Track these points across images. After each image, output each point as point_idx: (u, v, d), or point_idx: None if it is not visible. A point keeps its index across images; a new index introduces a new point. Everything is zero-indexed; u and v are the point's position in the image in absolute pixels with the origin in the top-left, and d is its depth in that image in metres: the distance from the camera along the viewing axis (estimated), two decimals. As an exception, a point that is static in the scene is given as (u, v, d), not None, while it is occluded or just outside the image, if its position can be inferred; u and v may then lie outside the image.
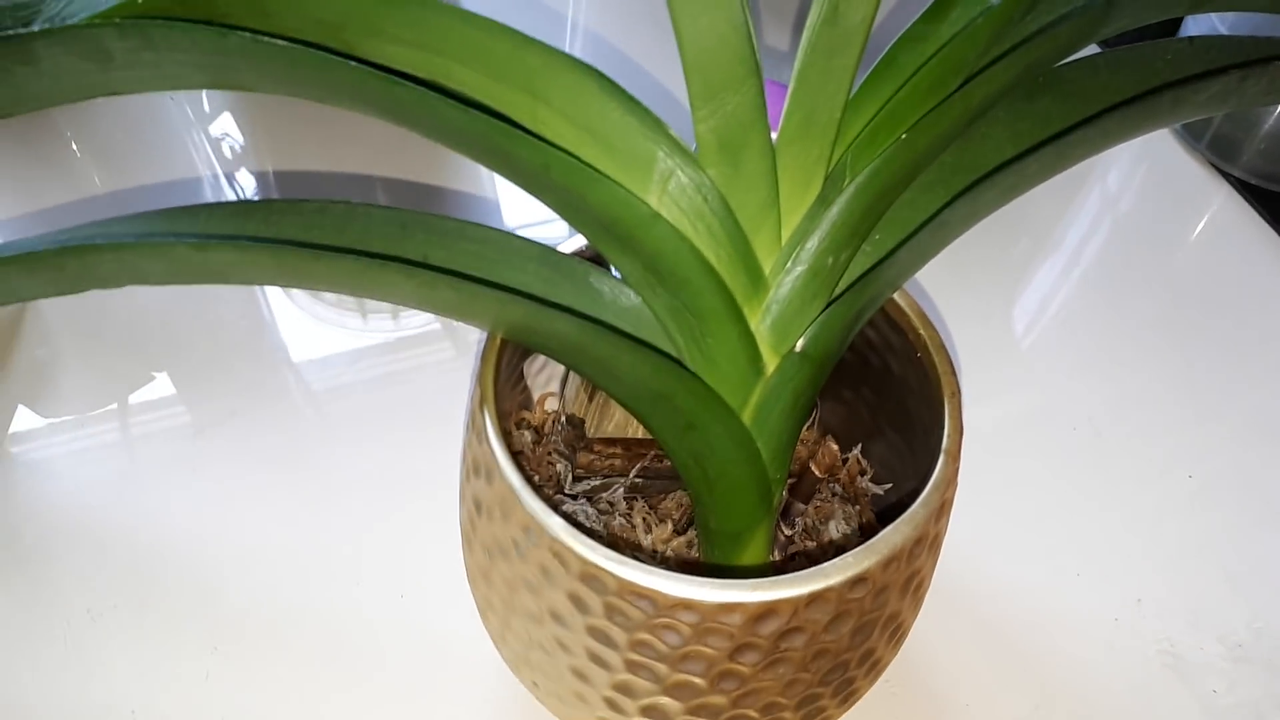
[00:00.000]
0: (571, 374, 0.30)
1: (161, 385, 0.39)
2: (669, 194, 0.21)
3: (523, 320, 0.22)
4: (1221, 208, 0.48)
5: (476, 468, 0.24)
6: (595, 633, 0.22)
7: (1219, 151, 0.48)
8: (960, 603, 0.34)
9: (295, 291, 0.43)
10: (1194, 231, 0.47)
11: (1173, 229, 0.47)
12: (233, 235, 0.22)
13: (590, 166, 0.21)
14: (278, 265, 0.21)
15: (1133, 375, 0.41)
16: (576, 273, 0.23)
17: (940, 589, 0.33)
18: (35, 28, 0.20)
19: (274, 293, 0.43)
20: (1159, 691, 0.32)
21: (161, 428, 0.38)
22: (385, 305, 0.44)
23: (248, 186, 0.47)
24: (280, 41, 0.19)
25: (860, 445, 0.31)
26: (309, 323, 0.42)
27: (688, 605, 0.21)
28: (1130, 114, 0.26)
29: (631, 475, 0.28)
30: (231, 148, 0.49)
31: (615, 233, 0.21)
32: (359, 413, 0.39)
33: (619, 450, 0.30)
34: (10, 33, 0.20)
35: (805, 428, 0.32)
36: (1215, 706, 0.32)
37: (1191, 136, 0.49)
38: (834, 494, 0.30)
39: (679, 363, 0.23)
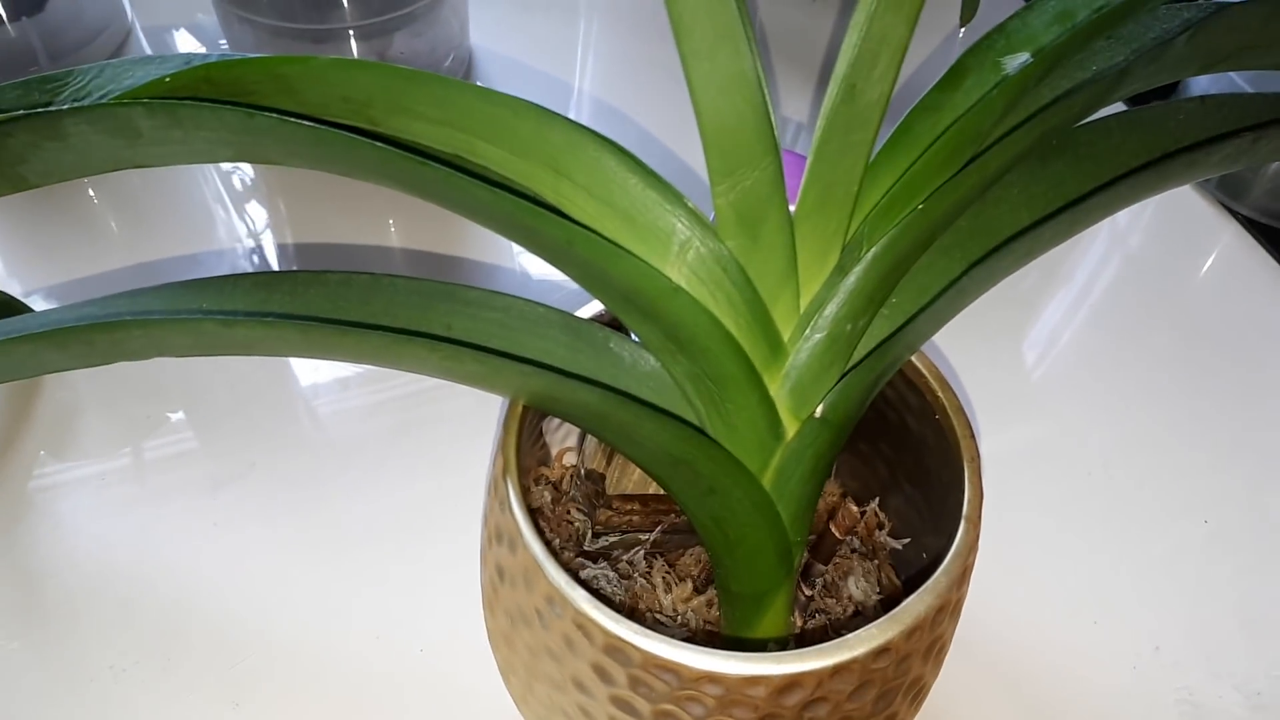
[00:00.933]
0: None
1: (182, 434, 0.39)
2: (688, 265, 0.22)
3: (546, 390, 0.22)
4: (1229, 245, 0.48)
5: (499, 535, 0.24)
6: (619, 703, 0.22)
7: (1227, 190, 0.48)
8: (978, 652, 0.34)
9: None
10: (1202, 269, 0.48)
11: (1181, 266, 0.48)
12: (259, 311, 0.22)
13: (612, 241, 0.21)
14: (304, 340, 0.21)
15: (1144, 414, 0.41)
16: (597, 339, 0.23)
17: (958, 639, 0.33)
18: (65, 106, 0.21)
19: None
20: (1178, 742, 0.32)
21: (182, 478, 0.38)
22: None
23: (270, 255, 0.48)
24: (306, 123, 0.20)
25: (878, 499, 0.31)
26: (329, 369, 0.42)
27: (713, 678, 0.21)
28: (1144, 179, 0.26)
29: (652, 536, 0.28)
30: (253, 217, 0.50)
31: (637, 303, 0.21)
32: (379, 462, 0.39)
33: (637, 506, 0.30)
34: (40, 110, 0.20)
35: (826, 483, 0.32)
36: (1235, 757, 0.32)
37: (1200, 175, 0.50)
38: (852, 550, 0.30)
39: (699, 429, 0.23)
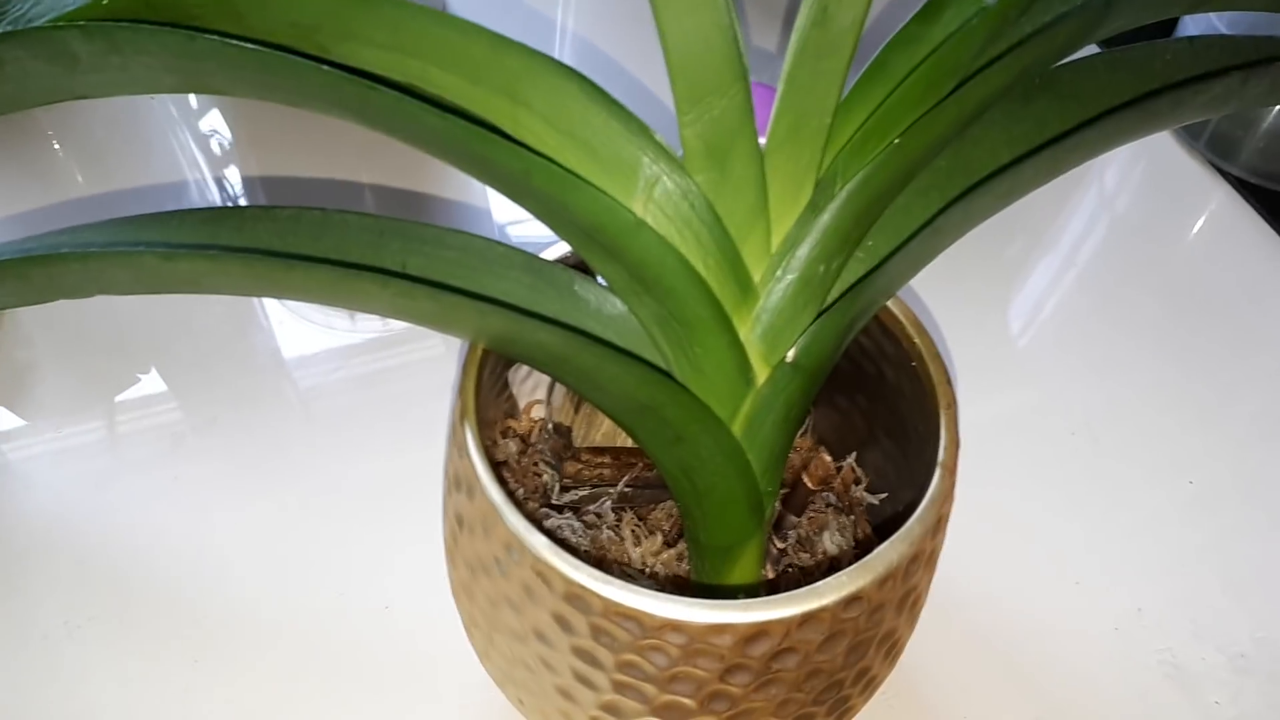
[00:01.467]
0: (558, 382, 0.29)
1: (143, 388, 0.38)
2: (654, 201, 0.21)
3: (504, 331, 0.21)
4: (1220, 207, 0.47)
5: (458, 482, 0.23)
6: (581, 653, 0.22)
7: (1217, 150, 0.48)
8: (957, 613, 0.33)
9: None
10: (1192, 231, 0.47)
11: (1171, 228, 0.47)
12: (203, 244, 0.21)
13: (572, 173, 0.20)
14: (249, 275, 0.20)
15: (1130, 378, 0.41)
16: (561, 280, 0.22)
17: (936, 599, 0.32)
18: (-2, 31, 0.20)
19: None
20: (1160, 703, 0.32)
21: (142, 432, 0.37)
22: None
23: (234, 189, 0.47)
24: (251, 45, 0.19)
25: (855, 454, 0.30)
26: (295, 323, 0.41)
27: (676, 626, 0.20)
28: (1129, 117, 0.25)
29: (620, 486, 0.27)
30: (220, 145, 0.48)
31: (599, 240, 0.21)
32: (346, 415, 0.38)
33: (607, 460, 0.29)
34: (-29, 36, 0.19)
35: (799, 436, 0.31)
36: (1217, 718, 0.32)
37: (1189, 135, 0.49)
38: (828, 504, 0.29)
39: (666, 374, 0.22)
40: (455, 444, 0.23)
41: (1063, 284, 0.45)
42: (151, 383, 0.39)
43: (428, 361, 0.40)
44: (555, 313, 0.22)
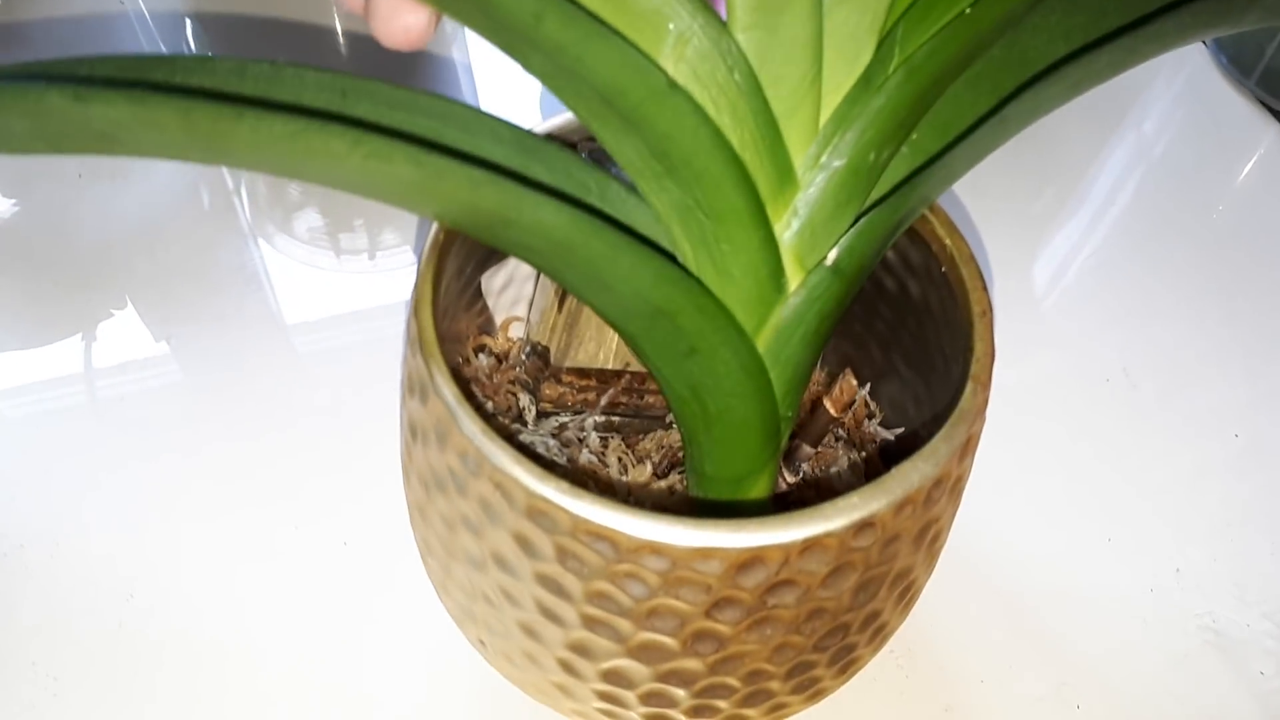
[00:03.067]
0: (539, 294, 0.26)
1: (91, 299, 0.36)
2: (685, 61, 0.17)
3: (499, 208, 0.18)
4: (1270, 149, 0.43)
5: (411, 385, 0.20)
6: (546, 581, 0.19)
7: (1271, 88, 0.44)
8: (978, 568, 0.30)
9: (264, 221, 0.40)
10: (1240, 175, 0.43)
11: (1216, 173, 0.43)
12: (126, 80, 0.18)
13: (593, 15, 0.16)
14: (185, 126, 0.17)
15: (1172, 326, 0.37)
16: (557, 162, 0.19)
17: (956, 552, 0.29)
18: None
19: (237, 217, 0.39)
20: (1199, 672, 0.29)
21: (87, 349, 0.34)
22: (361, 243, 0.40)
23: (175, 32, 0.42)
24: None
25: (869, 385, 0.27)
26: (277, 258, 0.38)
27: (656, 549, 0.17)
28: (1206, 7, 0.22)
29: (603, 402, 0.24)
30: None
31: (618, 106, 0.17)
32: (306, 340, 0.35)
33: (593, 383, 0.26)
34: None
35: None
36: (1262, 690, 0.28)
37: (1240, 71, 0.45)
38: (838, 438, 0.26)
39: (687, 272, 0.19)
40: (409, 340, 0.20)
41: (1095, 234, 0.42)
42: (102, 294, 0.36)
43: (401, 272, 0.37)
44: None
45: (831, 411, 0.23)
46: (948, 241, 0.22)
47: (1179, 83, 0.47)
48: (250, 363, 0.34)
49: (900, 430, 0.26)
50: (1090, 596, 0.30)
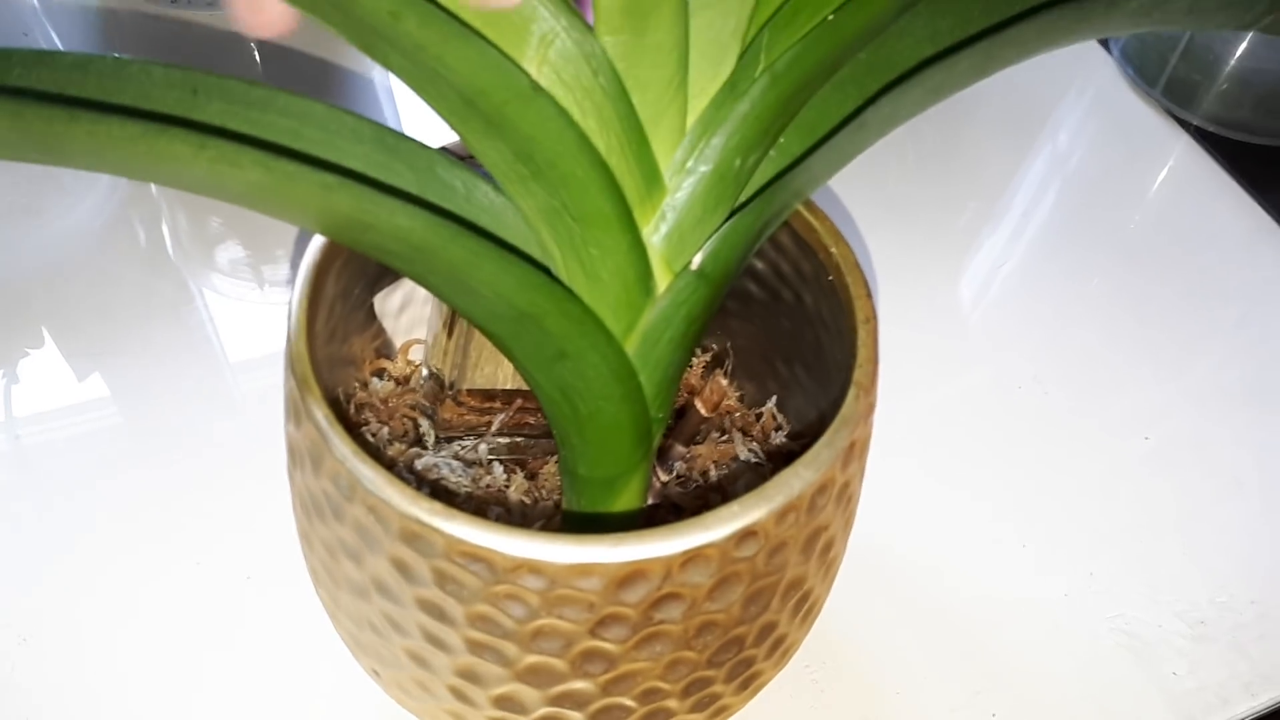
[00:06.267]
0: (431, 316, 0.26)
1: (36, 358, 0.34)
2: (549, 64, 0.17)
3: (353, 213, 0.17)
4: (1180, 159, 0.44)
5: (288, 409, 0.20)
6: (428, 606, 0.18)
7: (1176, 97, 0.45)
8: (891, 578, 0.30)
9: (185, 253, 0.39)
10: (1152, 185, 0.44)
11: (1129, 184, 0.44)
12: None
13: (453, 16, 0.16)
14: (17, 128, 0.16)
15: (1084, 334, 0.38)
16: (420, 160, 0.19)
17: (868, 562, 0.29)
18: None
19: (155, 252, 0.39)
20: (1113, 674, 0.29)
21: (21, 391, 0.33)
22: (283, 274, 0.39)
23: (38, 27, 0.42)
24: None
25: (775, 399, 0.27)
26: (202, 291, 0.37)
27: (533, 568, 0.17)
28: (1064, 15, 0.22)
29: (497, 424, 0.24)
30: None
31: (480, 108, 0.17)
32: (208, 367, 0.34)
33: (495, 404, 0.26)
34: None
35: (700, 359, 0.28)
36: (1175, 690, 0.29)
37: (1146, 82, 0.46)
38: (750, 454, 0.26)
39: (553, 276, 0.18)
40: (286, 363, 0.20)
41: (1017, 248, 0.42)
42: (42, 352, 0.35)
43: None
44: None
45: (702, 411, 0.23)
46: (833, 249, 0.22)
47: (1089, 95, 0.48)
48: (171, 395, 0.33)
49: (806, 442, 0.26)
50: (1005, 603, 0.30)
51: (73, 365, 0.34)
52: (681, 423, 0.24)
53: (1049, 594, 0.30)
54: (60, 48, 0.45)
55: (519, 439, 0.26)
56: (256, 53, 0.45)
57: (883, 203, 0.42)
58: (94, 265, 0.37)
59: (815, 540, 0.19)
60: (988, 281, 0.41)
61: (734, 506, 0.17)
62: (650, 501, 0.23)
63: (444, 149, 0.20)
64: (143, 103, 0.18)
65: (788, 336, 0.26)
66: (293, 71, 0.45)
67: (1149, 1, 0.22)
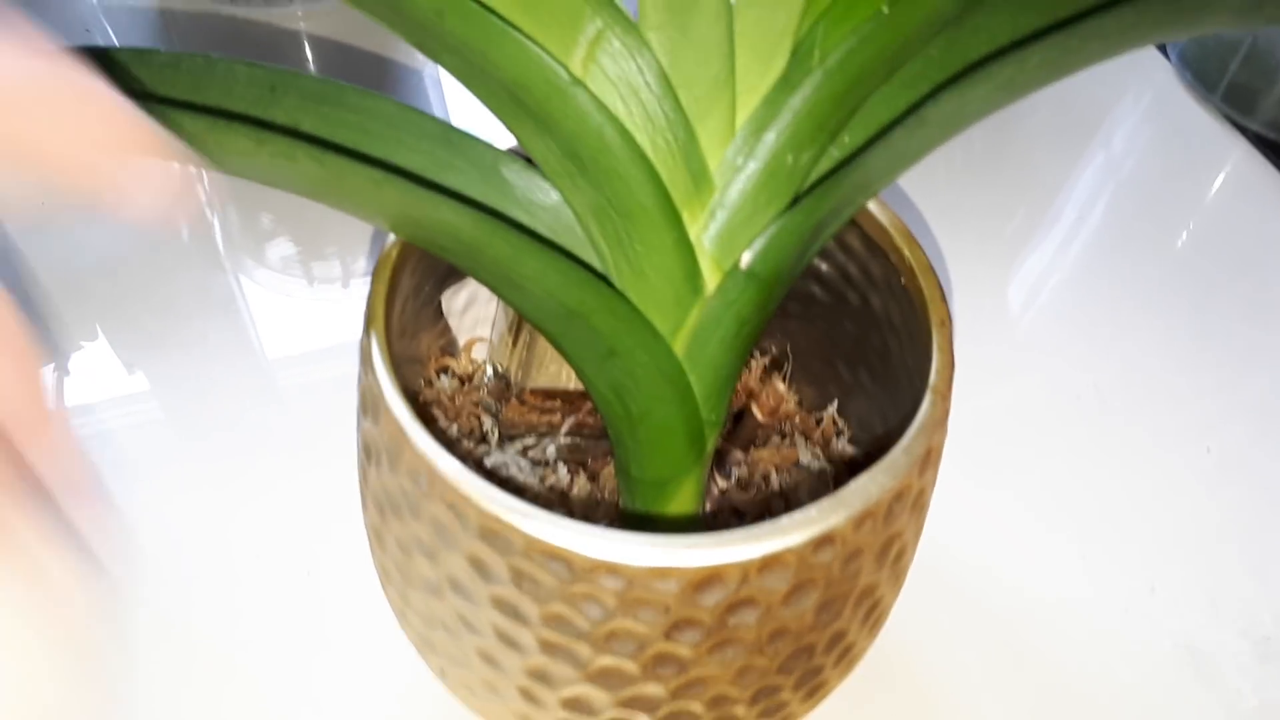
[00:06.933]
0: (498, 315, 0.26)
1: (69, 342, 0.35)
2: (596, 62, 0.17)
3: (404, 208, 0.18)
4: (1238, 165, 0.44)
5: (364, 404, 0.20)
6: (503, 605, 0.18)
7: (1235, 103, 0.44)
8: (949, 590, 0.30)
9: (236, 249, 0.39)
10: (1209, 192, 0.43)
11: (1185, 191, 0.44)
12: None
13: (496, 15, 0.17)
14: None
15: (1144, 343, 0.37)
16: (483, 158, 0.19)
17: (926, 573, 0.29)
18: None
19: (207, 248, 0.39)
20: (1176, 693, 0.28)
21: (75, 384, 0.33)
22: (334, 271, 0.40)
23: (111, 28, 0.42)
24: None
25: (836, 403, 0.27)
26: (251, 287, 0.38)
27: (611, 569, 0.17)
28: (1151, 7, 0.22)
29: (565, 427, 0.24)
30: None
31: (526, 105, 0.17)
32: (297, 380, 0.34)
33: (557, 404, 0.26)
34: None
35: (759, 361, 0.28)
36: (1240, 709, 0.28)
37: (1205, 87, 0.45)
38: (809, 461, 0.26)
39: (597, 273, 0.18)
40: (362, 359, 0.20)
41: (1069, 255, 0.42)
42: (95, 345, 0.35)
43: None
44: (472, 194, 0.19)
45: (759, 416, 0.22)
46: (906, 252, 0.21)
47: (1146, 100, 0.47)
48: (221, 390, 0.34)
49: (868, 448, 0.26)
50: (1064, 616, 0.30)
51: (123, 358, 0.35)
52: (739, 427, 0.23)
53: (1109, 608, 0.30)
54: (116, 44, 0.46)
55: (579, 439, 0.26)
56: (309, 49, 0.46)
57: (932, 205, 0.42)
58: (148, 260, 0.38)
59: (889, 548, 0.19)
60: (1038, 287, 0.40)
61: (811, 511, 0.17)
62: (708, 508, 0.23)
63: (512, 149, 0.20)
64: (225, 99, 0.18)
65: (852, 340, 0.26)
66: (347, 68, 0.45)
67: None
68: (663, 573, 0.17)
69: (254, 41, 0.46)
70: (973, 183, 0.44)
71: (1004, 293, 0.40)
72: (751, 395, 0.27)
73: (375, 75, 0.46)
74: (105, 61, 0.18)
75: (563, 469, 0.24)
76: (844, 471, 0.26)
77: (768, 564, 0.17)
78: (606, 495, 0.24)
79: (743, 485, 0.25)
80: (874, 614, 0.21)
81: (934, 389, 0.19)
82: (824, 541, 0.17)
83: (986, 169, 0.45)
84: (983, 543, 0.31)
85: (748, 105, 0.18)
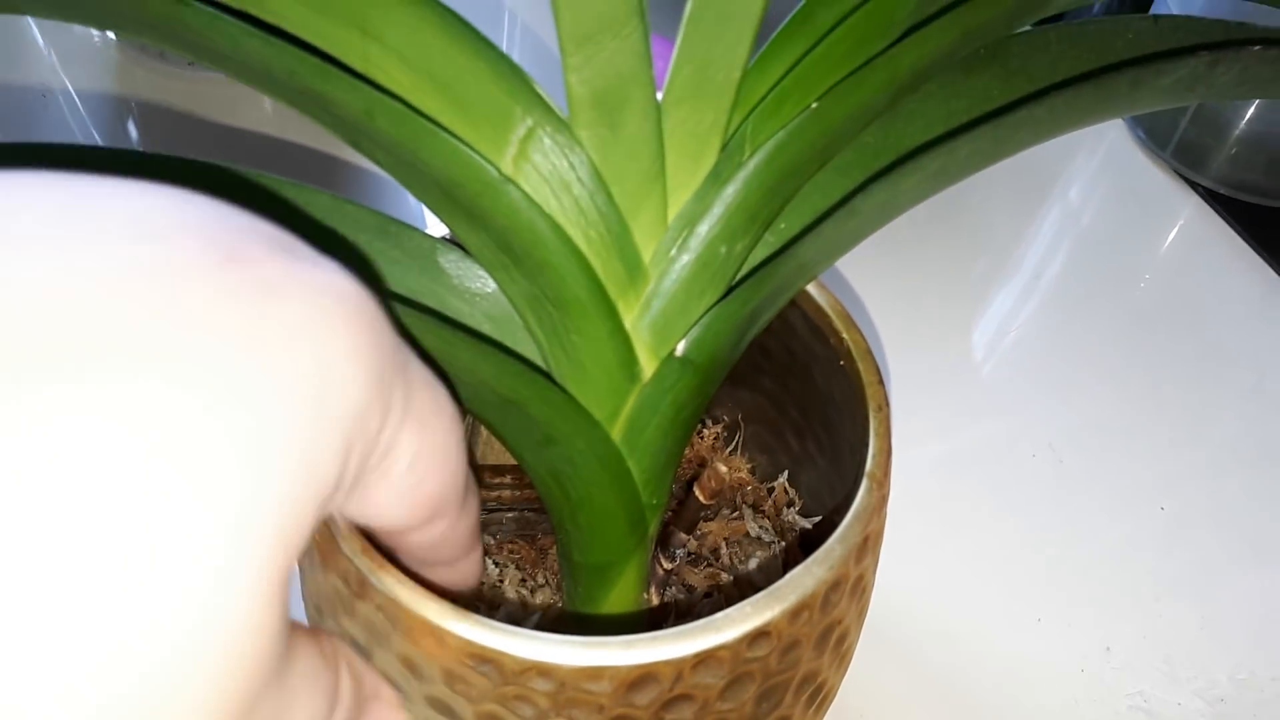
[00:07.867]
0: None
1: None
2: (528, 159, 0.17)
3: None
4: (1190, 220, 0.44)
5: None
6: (436, 704, 0.18)
7: (1186, 160, 0.45)
8: (905, 654, 0.30)
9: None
10: (1162, 246, 0.44)
11: (1139, 244, 0.44)
12: None
13: (424, 115, 0.17)
14: None
15: (1098, 399, 0.38)
16: (420, 248, 0.19)
17: (882, 637, 0.29)
18: None
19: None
20: (1131, 756, 0.28)
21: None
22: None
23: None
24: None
25: (786, 473, 0.27)
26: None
27: (543, 670, 0.17)
28: (1081, 95, 0.22)
29: (508, 509, 0.24)
30: None
31: (459, 200, 0.17)
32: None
33: (507, 479, 0.26)
34: None
35: (712, 443, 0.28)
36: (1195, 773, 0.28)
37: (1156, 144, 0.46)
38: (758, 533, 0.26)
39: (532, 365, 0.18)
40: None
41: (1027, 305, 0.42)
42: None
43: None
44: (409, 287, 0.19)
45: (700, 498, 0.22)
46: (845, 336, 0.22)
47: (1099, 157, 0.48)
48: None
49: (818, 519, 0.26)
50: (1021, 679, 0.30)
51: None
52: (682, 509, 0.23)
53: (1066, 670, 0.30)
54: (79, 104, 0.46)
55: (529, 513, 0.26)
56: (270, 109, 0.46)
57: (891, 260, 0.42)
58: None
59: (829, 635, 0.19)
60: (996, 342, 0.41)
61: (746, 607, 0.17)
62: (652, 588, 0.23)
63: (446, 237, 0.20)
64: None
65: (800, 411, 0.26)
66: (302, 157, 0.45)
67: (1188, 77, 0.22)
68: (595, 673, 0.17)
69: (215, 105, 0.46)
70: (932, 235, 0.45)
71: (965, 346, 0.40)
72: (704, 464, 0.27)
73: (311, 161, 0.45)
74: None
75: (491, 566, 0.23)
76: (793, 543, 0.26)
77: (701, 660, 0.17)
78: (543, 580, 0.24)
79: (692, 559, 0.25)
80: (819, 698, 0.21)
81: (870, 475, 0.19)
82: (759, 636, 0.17)
83: (945, 223, 0.45)
84: (936, 602, 0.31)
85: (680, 199, 0.19)
